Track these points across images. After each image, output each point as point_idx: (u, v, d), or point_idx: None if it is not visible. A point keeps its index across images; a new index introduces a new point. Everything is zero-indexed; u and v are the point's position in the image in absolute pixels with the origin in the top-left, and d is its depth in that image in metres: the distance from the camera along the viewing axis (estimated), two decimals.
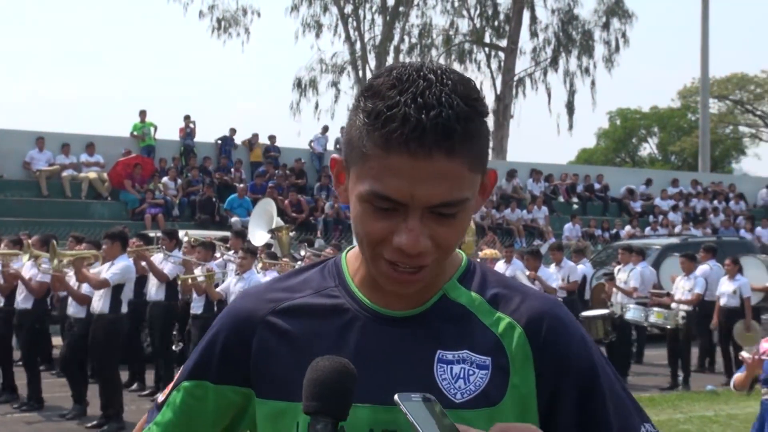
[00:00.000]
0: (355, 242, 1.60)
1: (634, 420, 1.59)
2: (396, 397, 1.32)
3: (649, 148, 64.86)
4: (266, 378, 1.57)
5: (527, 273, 13.05)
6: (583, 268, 15.57)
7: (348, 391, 1.36)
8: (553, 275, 13.76)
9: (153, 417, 1.69)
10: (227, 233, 16.20)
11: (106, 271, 10.21)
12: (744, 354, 6.08)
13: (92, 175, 22.86)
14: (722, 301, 14.16)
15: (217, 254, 13.14)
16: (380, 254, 1.48)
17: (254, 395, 1.60)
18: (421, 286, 1.53)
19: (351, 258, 1.66)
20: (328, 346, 1.54)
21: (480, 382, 1.53)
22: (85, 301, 10.43)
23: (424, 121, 1.39)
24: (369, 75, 35.23)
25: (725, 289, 14.20)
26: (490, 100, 36.25)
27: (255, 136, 26.32)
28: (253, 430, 1.65)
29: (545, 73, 36.56)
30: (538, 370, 1.55)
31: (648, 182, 31.51)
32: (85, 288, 10.47)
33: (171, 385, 1.68)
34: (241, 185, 23.35)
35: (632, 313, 13.74)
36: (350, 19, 35.65)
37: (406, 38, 36.39)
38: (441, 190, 1.42)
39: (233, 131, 25.86)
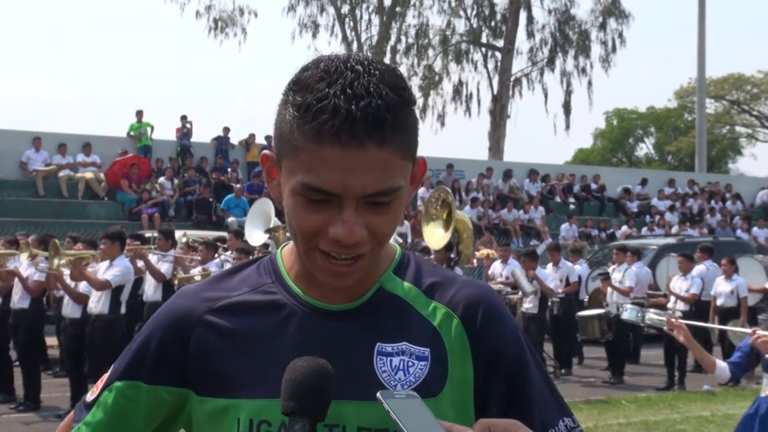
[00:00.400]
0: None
1: (555, 413, 1.61)
2: (378, 394, 1.31)
3: (645, 148, 65.02)
4: (206, 376, 1.56)
5: (527, 272, 13.02)
6: (579, 268, 15.58)
7: (326, 392, 1.37)
8: (550, 276, 13.75)
9: (82, 417, 1.65)
10: (224, 233, 16.19)
11: (105, 271, 10.19)
12: (653, 317, 6.11)
13: (89, 175, 22.85)
14: (719, 301, 14.18)
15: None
16: (315, 247, 1.48)
17: (192, 395, 1.58)
18: (357, 278, 1.53)
19: (286, 254, 1.65)
20: (267, 343, 1.55)
21: (420, 373, 1.54)
22: (82, 299, 10.41)
23: (354, 112, 1.39)
24: None
25: (722, 289, 14.22)
26: (486, 100, 36.32)
27: (252, 136, 26.28)
28: (189, 429, 1.63)
29: (542, 73, 36.59)
30: (474, 360, 1.57)
31: (643, 182, 31.50)
32: (82, 288, 10.45)
33: (101, 385, 1.64)
34: (238, 185, 23.34)
35: (628, 313, 13.72)
36: (347, 20, 35.66)
37: (403, 38, 36.43)
38: (374, 179, 1.42)
39: (227, 130, 25.80)
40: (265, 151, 1.58)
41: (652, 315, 5.73)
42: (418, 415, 1.30)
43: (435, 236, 12.62)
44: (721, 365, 5.93)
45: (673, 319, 5.82)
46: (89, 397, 1.66)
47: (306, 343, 1.52)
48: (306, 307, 1.57)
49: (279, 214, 19.05)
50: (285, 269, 1.63)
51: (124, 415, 1.61)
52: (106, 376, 1.65)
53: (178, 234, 14.29)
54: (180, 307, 1.62)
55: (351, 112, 1.39)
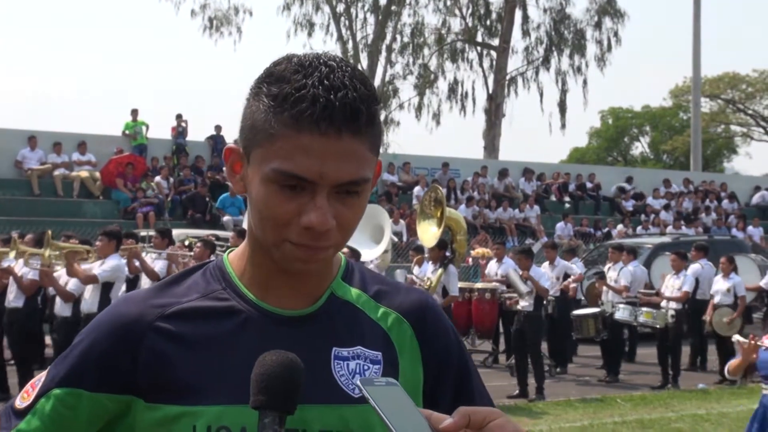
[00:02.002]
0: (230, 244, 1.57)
1: (492, 404, 1.68)
2: (358, 381, 1.32)
3: (641, 147, 65.07)
4: (158, 383, 1.53)
5: (521, 272, 13.01)
6: (575, 267, 15.59)
7: (295, 385, 1.37)
8: (546, 274, 13.72)
9: (11, 424, 1.58)
10: (218, 232, 16.17)
11: (97, 268, 10.18)
12: (738, 338, 6.11)
13: (84, 173, 22.82)
14: (716, 299, 14.19)
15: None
16: (285, 238, 1.49)
17: (137, 402, 1.54)
18: (323, 264, 1.57)
19: (234, 259, 1.65)
20: (224, 349, 1.54)
21: (374, 376, 1.57)
22: (69, 298, 10.38)
23: (333, 101, 1.43)
24: None
25: (719, 288, 14.23)
26: (482, 99, 36.34)
27: None
28: None
29: (537, 72, 36.61)
30: (424, 361, 1.64)
31: (629, 180, 31.34)
32: (71, 286, 10.43)
33: (36, 392, 1.58)
34: None
35: (621, 313, 13.76)
36: (342, 18, 35.65)
37: (398, 37, 36.39)
38: (348, 168, 1.46)
39: (219, 128, 25.76)
40: (230, 145, 1.58)
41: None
42: (398, 403, 1.29)
43: (429, 234, 12.65)
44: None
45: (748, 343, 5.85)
46: (19, 403, 1.59)
47: (263, 349, 1.49)
48: (261, 313, 1.58)
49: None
50: (235, 275, 1.62)
51: (63, 424, 1.55)
52: (39, 382, 1.59)
53: (176, 232, 14.25)
54: (127, 313, 1.57)
55: (330, 101, 1.43)
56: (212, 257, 12.98)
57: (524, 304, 12.47)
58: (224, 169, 1.65)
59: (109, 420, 1.57)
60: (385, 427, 1.25)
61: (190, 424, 1.50)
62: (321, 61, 1.48)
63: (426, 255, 13.45)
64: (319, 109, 1.43)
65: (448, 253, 12.76)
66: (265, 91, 1.48)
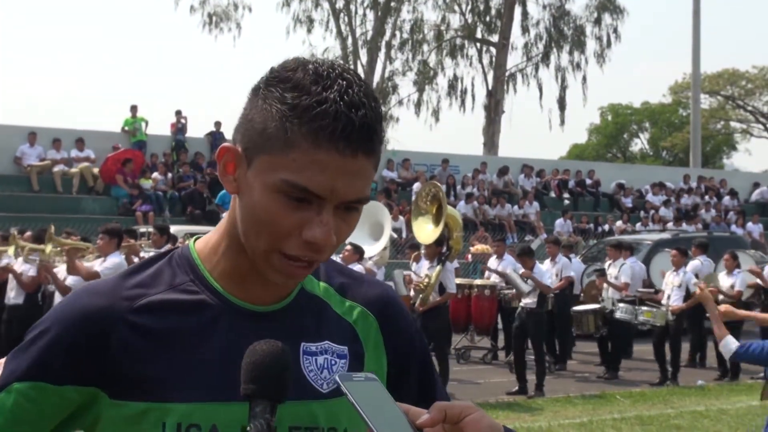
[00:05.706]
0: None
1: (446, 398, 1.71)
2: (337, 377, 1.32)
3: (640, 144, 65.09)
4: (126, 378, 1.49)
5: (521, 271, 12.95)
6: (574, 264, 15.56)
7: (285, 374, 1.38)
8: (548, 272, 13.69)
9: None
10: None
11: (99, 266, 10.17)
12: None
13: (83, 166, 22.81)
14: (720, 296, 14.20)
15: None
16: (279, 249, 1.47)
17: (102, 396, 1.50)
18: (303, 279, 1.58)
19: (203, 250, 1.62)
20: (195, 344, 1.52)
21: (341, 371, 1.59)
22: (68, 293, 10.37)
23: (354, 120, 1.41)
24: (361, 70, 35.23)
25: (723, 284, 14.24)
26: (481, 96, 36.38)
27: None
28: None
29: (537, 69, 36.66)
30: (388, 355, 1.67)
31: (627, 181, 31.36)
32: (70, 281, 10.42)
33: None
34: None
35: (621, 312, 13.75)
36: (342, 15, 35.65)
37: (398, 33, 36.42)
38: (357, 186, 1.46)
39: (218, 124, 25.75)
40: (226, 144, 1.52)
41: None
42: (376, 398, 1.30)
43: (425, 231, 12.54)
44: (731, 339, 5.75)
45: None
46: None
47: (235, 345, 1.48)
48: (232, 307, 1.56)
49: None
50: (204, 267, 1.59)
51: (25, 418, 1.50)
52: None
53: (175, 229, 14.23)
54: (94, 305, 1.53)
55: (351, 120, 1.41)
56: None
57: (527, 300, 12.45)
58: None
59: (73, 411, 1.53)
60: (364, 422, 1.26)
61: (160, 421, 1.48)
62: (337, 72, 1.45)
63: (423, 252, 13.39)
64: (340, 126, 1.41)
65: (444, 250, 12.69)
66: (279, 96, 1.44)
